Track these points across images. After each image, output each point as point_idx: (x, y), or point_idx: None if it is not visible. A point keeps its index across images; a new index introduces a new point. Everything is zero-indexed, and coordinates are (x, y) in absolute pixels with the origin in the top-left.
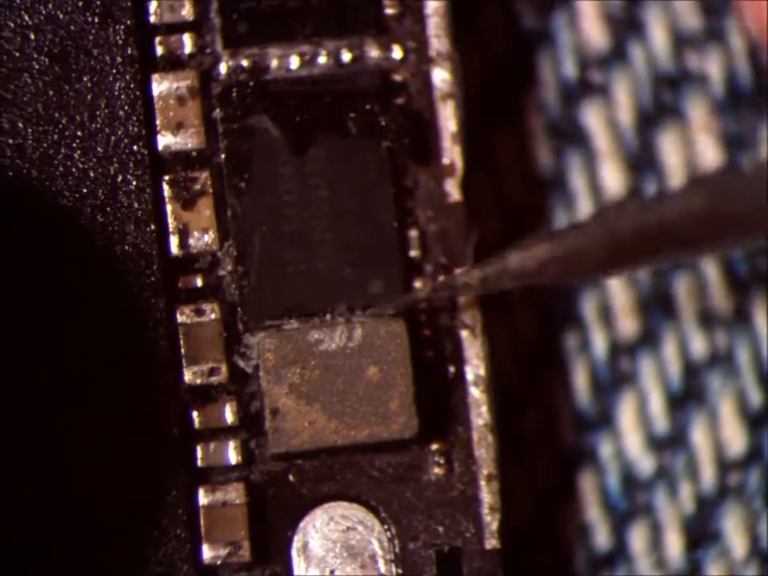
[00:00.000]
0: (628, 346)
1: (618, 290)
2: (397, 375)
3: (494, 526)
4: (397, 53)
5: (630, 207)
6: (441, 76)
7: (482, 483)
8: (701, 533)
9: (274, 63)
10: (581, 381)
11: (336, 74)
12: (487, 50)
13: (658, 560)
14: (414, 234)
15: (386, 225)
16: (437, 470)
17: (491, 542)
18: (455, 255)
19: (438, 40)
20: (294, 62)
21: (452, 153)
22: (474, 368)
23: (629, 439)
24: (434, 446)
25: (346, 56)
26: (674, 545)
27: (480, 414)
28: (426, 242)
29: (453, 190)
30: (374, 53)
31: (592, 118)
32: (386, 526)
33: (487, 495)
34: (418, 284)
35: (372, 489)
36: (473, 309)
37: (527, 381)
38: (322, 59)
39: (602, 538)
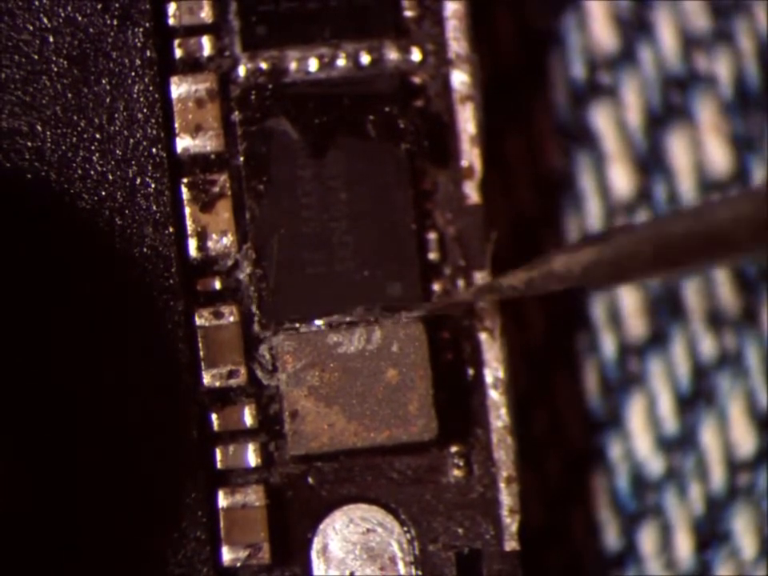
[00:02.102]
0: (637, 347)
1: (626, 291)
2: (416, 378)
3: (514, 527)
4: (416, 55)
5: (678, 212)
6: (459, 78)
7: (502, 485)
8: (710, 533)
9: (293, 66)
10: (590, 382)
11: (355, 76)
12: (497, 52)
13: (668, 560)
14: (432, 236)
15: (405, 227)
16: (456, 472)
17: (511, 544)
18: (474, 257)
19: (456, 42)
20: (313, 65)
21: (471, 155)
22: (493, 370)
23: (638, 440)
24: (454, 449)
25: (365, 58)
26: (684, 545)
27: (499, 416)
28: (445, 245)
29: (471, 192)
30: (392, 55)
31: (601, 119)
32: (405, 528)
33: (507, 497)
34: (436, 286)
35: (391, 491)
36: (492, 311)
37: (537, 382)
38: (341, 62)
39: (611, 538)
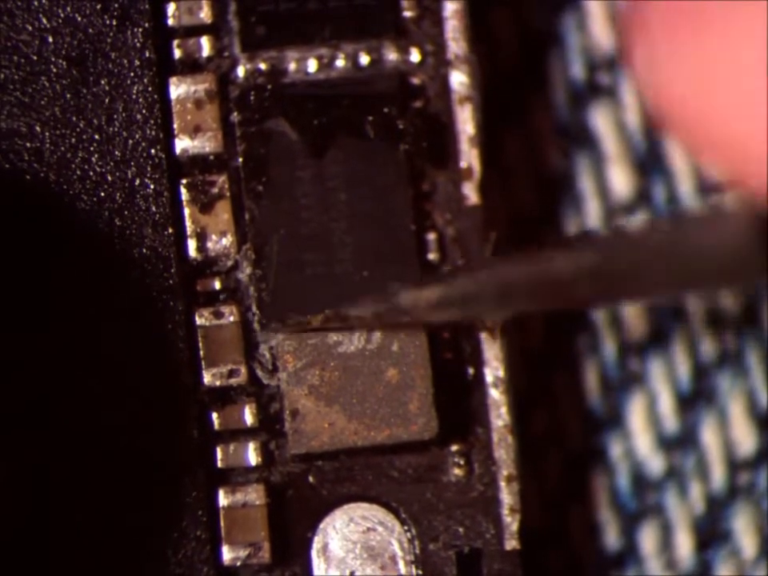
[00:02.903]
0: (638, 346)
1: None
2: (416, 377)
3: (514, 526)
4: (415, 56)
5: (519, 259)
6: (459, 79)
7: (502, 484)
8: (711, 533)
9: (292, 66)
10: (590, 381)
11: (354, 77)
12: (496, 52)
13: (669, 560)
14: (432, 236)
15: (404, 228)
16: (456, 471)
17: (511, 543)
18: (473, 258)
19: (455, 43)
20: (312, 65)
21: (470, 156)
22: (494, 369)
23: (639, 439)
24: (454, 447)
25: (364, 59)
26: (685, 545)
27: (499, 415)
28: (444, 245)
29: (470, 193)
30: (392, 56)
31: (600, 119)
32: (406, 527)
33: (507, 496)
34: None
35: (392, 490)
36: None
37: (537, 381)
38: (340, 62)
39: (612, 538)
